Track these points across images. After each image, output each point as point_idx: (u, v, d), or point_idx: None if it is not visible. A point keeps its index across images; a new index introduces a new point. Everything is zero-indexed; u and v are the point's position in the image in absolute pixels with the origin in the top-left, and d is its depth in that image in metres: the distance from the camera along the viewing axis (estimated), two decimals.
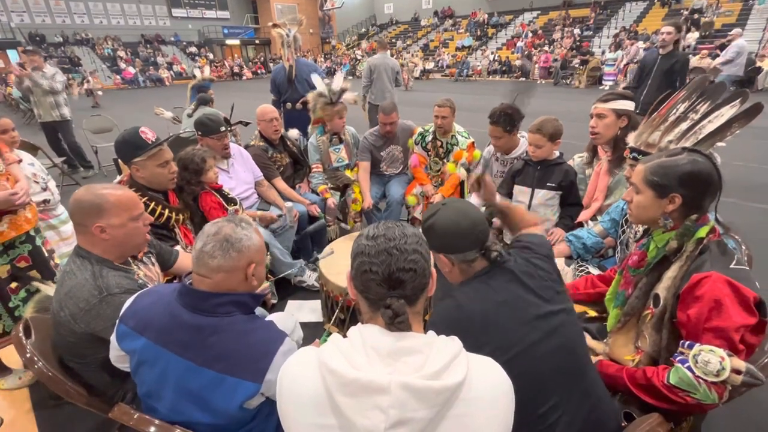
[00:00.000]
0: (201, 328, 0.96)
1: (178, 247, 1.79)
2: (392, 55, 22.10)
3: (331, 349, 0.73)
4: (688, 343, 0.99)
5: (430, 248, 1.07)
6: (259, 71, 23.93)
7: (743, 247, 1.51)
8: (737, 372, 0.91)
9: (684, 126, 1.46)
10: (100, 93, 13.82)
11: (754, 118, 1.37)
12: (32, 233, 1.85)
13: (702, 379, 0.93)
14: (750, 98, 1.38)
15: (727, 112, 1.39)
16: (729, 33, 8.44)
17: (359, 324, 0.79)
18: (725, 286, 0.96)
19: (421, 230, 1.08)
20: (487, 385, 0.72)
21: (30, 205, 1.85)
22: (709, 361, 0.92)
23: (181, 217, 1.91)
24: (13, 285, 1.78)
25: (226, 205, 2.22)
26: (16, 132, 2.21)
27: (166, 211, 1.83)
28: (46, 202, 2.25)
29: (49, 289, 1.54)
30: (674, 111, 1.49)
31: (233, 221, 1.03)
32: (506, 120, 2.30)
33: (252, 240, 1.02)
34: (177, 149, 2.07)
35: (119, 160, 3.19)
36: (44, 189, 2.24)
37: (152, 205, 1.78)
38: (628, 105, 2.00)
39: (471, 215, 1.06)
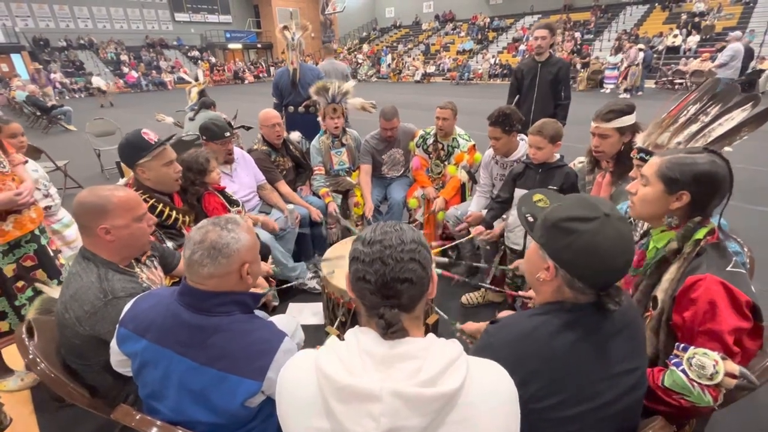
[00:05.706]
0: (202, 327, 0.97)
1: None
2: (393, 59, 22.28)
3: (327, 353, 0.72)
4: (682, 345, 0.99)
5: (544, 243, 0.87)
6: (261, 75, 24.04)
7: (745, 250, 1.50)
8: (731, 376, 0.91)
9: (694, 128, 1.45)
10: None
11: (764, 123, 1.35)
12: (37, 233, 1.85)
13: (696, 382, 0.93)
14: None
15: (737, 116, 1.37)
16: (727, 36, 8.39)
17: (357, 327, 0.77)
18: (720, 287, 0.96)
19: (545, 218, 0.88)
20: (490, 390, 0.70)
21: (35, 206, 1.86)
22: (703, 364, 0.92)
23: (187, 218, 1.92)
24: (20, 284, 1.77)
25: (229, 206, 2.23)
26: (24, 137, 2.25)
27: (174, 212, 1.84)
28: (47, 208, 2.27)
29: (52, 291, 1.53)
30: (685, 112, 1.48)
31: (218, 224, 0.98)
32: (504, 120, 2.31)
33: (240, 242, 0.98)
34: (179, 152, 2.08)
35: (122, 164, 3.21)
36: (46, 195, 2.26)
37: (160, 206, 1.79)
38: (631, 119, 1.82)
39: (630, 251, 0.84)
